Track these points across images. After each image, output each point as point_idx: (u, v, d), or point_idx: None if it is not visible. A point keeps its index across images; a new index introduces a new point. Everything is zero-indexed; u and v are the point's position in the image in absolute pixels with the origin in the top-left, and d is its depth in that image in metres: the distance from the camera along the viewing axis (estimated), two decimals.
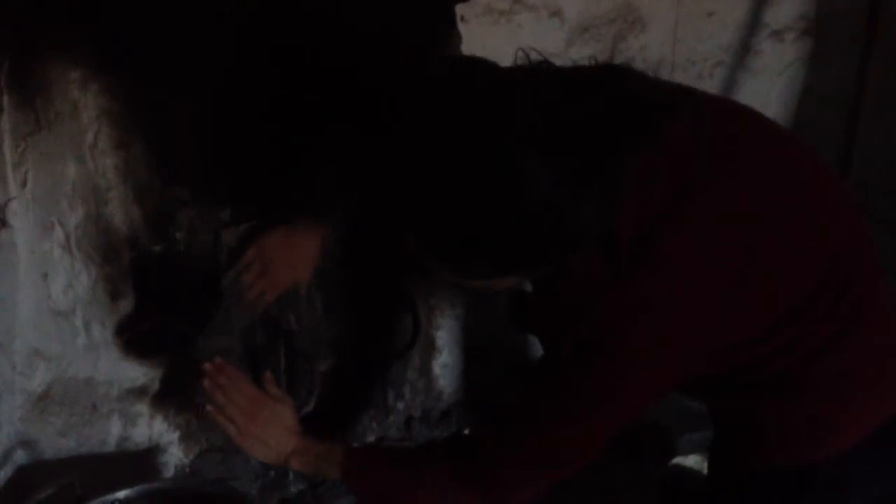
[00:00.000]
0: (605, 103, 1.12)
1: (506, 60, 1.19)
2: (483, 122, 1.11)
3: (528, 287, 1.37)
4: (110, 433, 1.66)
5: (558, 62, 1.17)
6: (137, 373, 1.66)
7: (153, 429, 1.71)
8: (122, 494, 1.46)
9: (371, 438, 2.09)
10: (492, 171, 1.08)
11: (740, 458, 1.38)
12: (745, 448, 1.36)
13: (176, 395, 1.72)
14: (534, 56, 1.16)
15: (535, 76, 1.14)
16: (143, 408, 1.68)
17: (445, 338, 2.20)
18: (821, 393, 1.29)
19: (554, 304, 1.27)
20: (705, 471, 2.14)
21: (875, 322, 1.30)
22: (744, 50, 2.49)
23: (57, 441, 1.59)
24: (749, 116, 1.34)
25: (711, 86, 2.45)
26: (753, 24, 2.47)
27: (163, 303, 1.64)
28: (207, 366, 1.43)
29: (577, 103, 1.11)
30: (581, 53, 2.09)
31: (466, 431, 1.37)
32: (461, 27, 1.85)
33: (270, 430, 1.43)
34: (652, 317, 1.18)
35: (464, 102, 1.14)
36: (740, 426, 1.35)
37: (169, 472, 1.73)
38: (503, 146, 1.08)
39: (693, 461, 2.17)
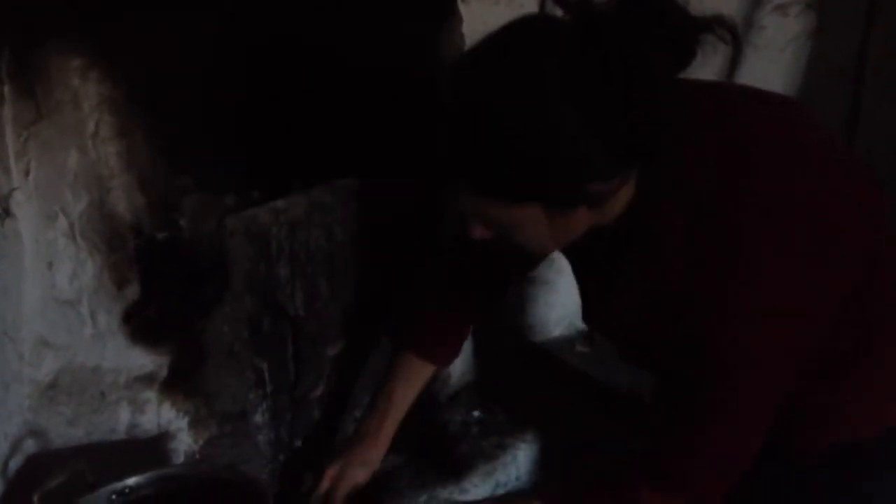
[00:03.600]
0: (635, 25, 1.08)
1: None
2: (520, 45, 1.08)
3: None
4: (119, 421, 1.66)
5: None
6: (145, 360, 1.66)
7: (162, 416, 1.71)
8: (132, 481, 1.46)
9: None
10: (523, 87, 1.05)
11: (790, 441, 1.36)
12: (791, 431, 1.34)
13: (184, 381, 1.72)
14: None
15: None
16: (151, 395, 1.69)
17: None
18: (867, 375, 1.30)
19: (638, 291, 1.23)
20: None
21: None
22: (747, 25, 2.47)
23: (66, 430, 1.59)
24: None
25: (715, 62, 2.42)
26: None
27: (169, 290, 1.65)
28: None
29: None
30: None
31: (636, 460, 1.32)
32: (462, 7, 1.84)
33: None
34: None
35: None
36: (786, 410, 1.35)
37: (179, 459, 1.74)
38: (539, 67, 1.05)
39: None
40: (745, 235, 1.14)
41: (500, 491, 2.08)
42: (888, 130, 2.62)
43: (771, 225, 1.14)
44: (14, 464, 1.54)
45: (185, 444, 1.75)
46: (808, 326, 1.19)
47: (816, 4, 2.55)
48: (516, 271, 1.67)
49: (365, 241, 1.94)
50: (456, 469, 2.03)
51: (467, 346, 2.25)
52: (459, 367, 2.25)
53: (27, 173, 1.44)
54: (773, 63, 2.52)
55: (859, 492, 1.35)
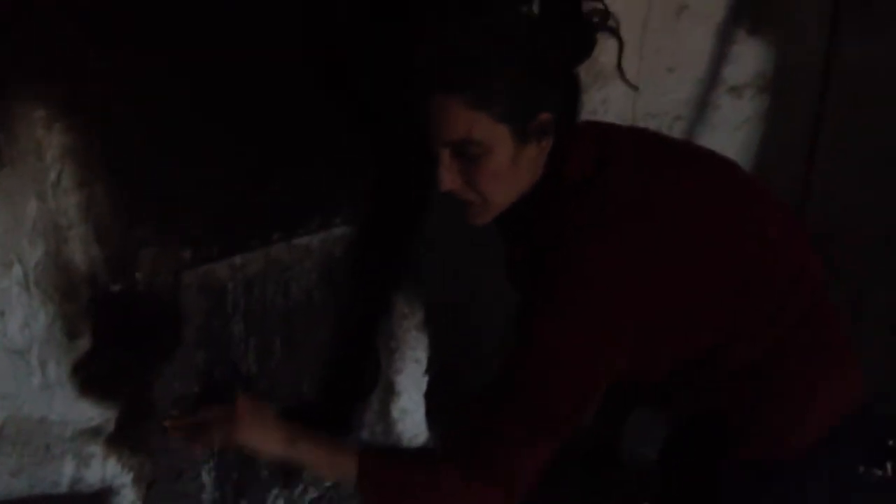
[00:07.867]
0: None
1: None
2: None
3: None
4: (63, 474, 1.64)
5: None
6: (92, 413, 1.64)
7: (106, 470, 1.69)
8: None
9: (328, 483, 2.08)
10: (512, 33, 1.34)
11: (708, 457, 1.47)
12: (710, 447, 1.45)
13: (130, 436, 1.70)
14: None
15: None
16: (96, 449, 1.66)
17: (405, 382, 2.20)
18: (778, 395, 1.40)
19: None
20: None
21: (823, 329, 1.45)
22: (703, 104, 2.54)
23: (9, 481, 1.57)
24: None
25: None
26: (712, 80, 2.53)
27: (121, 343, 1.63)
28: (168, 423, 1.50)
29: None
30: None
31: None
32: None
33: (259, 420, 1.48)
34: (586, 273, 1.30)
35: None
36: (706, 427, 1.45)
37: None
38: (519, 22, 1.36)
39: None
40: (589, 241, 1.32)
41: None
42: (839, 208, 2.69)
43: (612, 235, 1.32)
44: None
45: (128, 499, 1.73)
46: (618, 337, 1.32)
47: (769, 88, 2.63)
48: None
49: (321, 300, 1.95)
50: None
51: (417, 409, 2.25)
52: (410, 430, 2.25)
53: None
54: (727, 141, 2.59)
55: None
